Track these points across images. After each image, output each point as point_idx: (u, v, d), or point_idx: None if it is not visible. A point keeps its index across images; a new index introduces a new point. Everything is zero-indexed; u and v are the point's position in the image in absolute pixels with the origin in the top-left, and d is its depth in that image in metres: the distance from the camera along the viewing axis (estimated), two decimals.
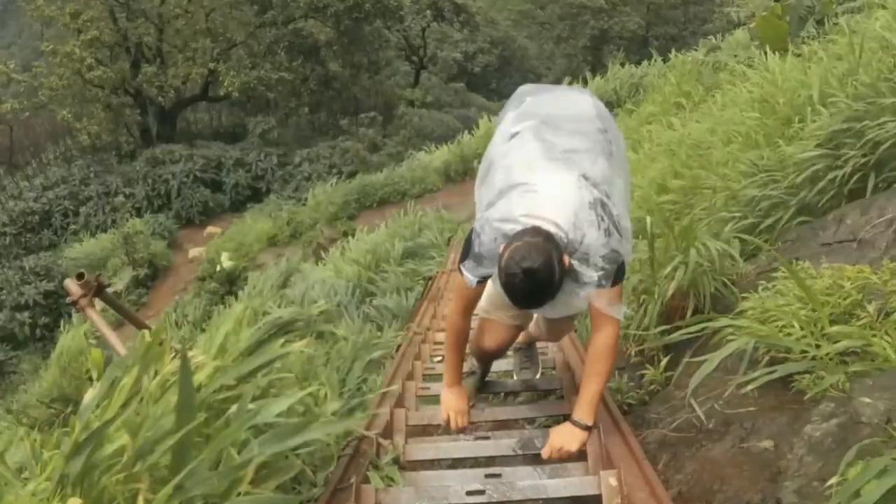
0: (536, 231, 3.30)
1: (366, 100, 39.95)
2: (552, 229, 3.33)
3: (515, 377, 5.26)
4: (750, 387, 3.52)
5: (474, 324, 4.34)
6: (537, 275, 3.19)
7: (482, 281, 3.74)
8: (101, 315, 4.06)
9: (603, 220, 3.43)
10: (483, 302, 4.17)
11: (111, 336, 3.76)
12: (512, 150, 3.71)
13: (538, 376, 5.21)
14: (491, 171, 3.77)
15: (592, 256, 3.44)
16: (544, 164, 3.53)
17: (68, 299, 4.08)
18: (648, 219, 5.43)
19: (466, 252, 3.70)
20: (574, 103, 3.98)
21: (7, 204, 29.62)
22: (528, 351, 5.25)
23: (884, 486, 2.22)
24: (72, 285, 4.00)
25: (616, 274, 3.53)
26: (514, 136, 3.75)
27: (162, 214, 29.03)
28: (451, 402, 4.07)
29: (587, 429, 3.61)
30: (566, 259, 3.33)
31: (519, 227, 3.36)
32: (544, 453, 3.64)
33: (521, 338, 4.96)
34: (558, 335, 4.98)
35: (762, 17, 11.93)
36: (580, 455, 3.65)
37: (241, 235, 24.93)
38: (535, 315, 4.59)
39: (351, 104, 39.43)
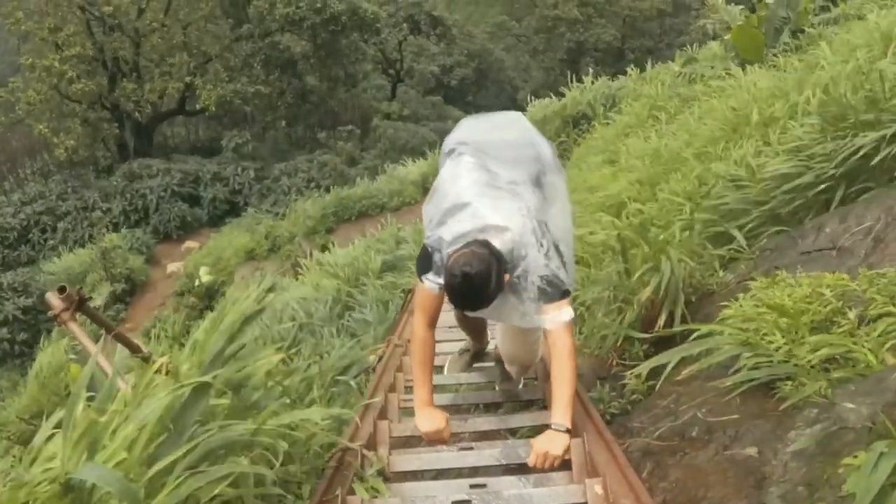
0: (483, 244, 3.68)
1: (343, 113, 39.95)
2: (497, 244, 3.71)
3: (497, 388, 5.30)
4: (733, 394, 3.55)
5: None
6: (473, 280, 3.58)
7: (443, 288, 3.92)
8: (82, 329, 4.05)
9: (542, 245, 3.82)
10: None
11: (93, 349, 3.74)
12: (460, 176, 4.07)
13: (520, 387, 5.22)
14: (439, 192, 4.16)
15: (531, 275, 3.80)
16: (491, 192, 3.93)
17: (50, 313, 4.05)
18: (617, 232, 5.49)
19: (427, 265, 4.00)
20: (510, 129, 4.45)
21: None
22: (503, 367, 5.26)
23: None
24: (53, 299, 3.97)
25: (560, 295, 3.86)
26: (459, 162, 4.17)
27: (139, 229, 28.90)
28: (426, 425, 4.08)
29: (567, 431, 3.70)
30: (506, 275, 3.73)
31: (470, 240, 3.74)
32: (530, 461, 3.69)
33: (497, 351, 5.15)
34: (519, 365, 4.96)
35: (738, 28, 12.04)
36: (564, 463, 3.71)
37: (220, 250, 24.85)
38: (499, 336, 4.94)
39: (328, 118, 39.41)
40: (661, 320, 4.95)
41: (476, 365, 5.64)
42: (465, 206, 3.87)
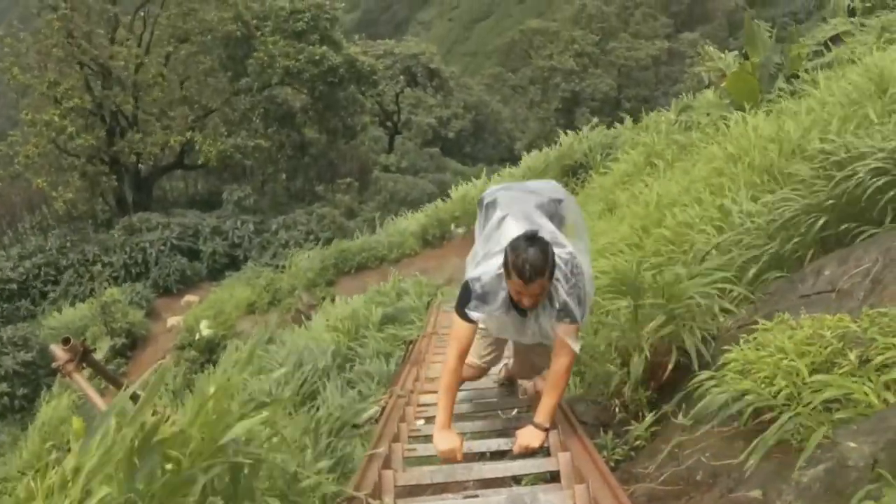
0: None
1: (342, 165, 40.11)
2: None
3: (501, 414, 5.91)
4: (736, 437, 3.55)
5: None
6: (538, 243, 4.18)
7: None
8: (87, 380, 4.06)
9: (569, 279, 4.41)
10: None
11: (98, 400, 3.75)
12: (505, 223, 4.64)
13: (514, 412, 5.91)
14: (485, 236, 4.78)
15: (557, 300, 4.41)
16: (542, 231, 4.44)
17: (54, 364, 4.07)
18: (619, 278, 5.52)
19: (467, 297, 4.52)
20: (536, 183, 5.35)
21: None
22: (510, 387, 6.35)
23: None
24: (58, 350, 4.00)
25: (575, 317, 4.44)
26: (497, 211, 4.78)
27: (139, 283, 28.81)
28: (442, 444, 4.51)
29: (546, 430, 4.54)
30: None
31: None
32: (515, 450, 4.53)
33: (502, 373, 6.31)
34: (530, 371, 5.75)
35: (734, 74, 12.13)
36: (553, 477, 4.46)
37: (220, 303, 24.78)
38: (508, 353, 5.84)
39: (327, 170, 39.55)
40: (669, 366, 4.98)
41: (478, 413, 6.11)
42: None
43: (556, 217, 4.86)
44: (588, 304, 4.63)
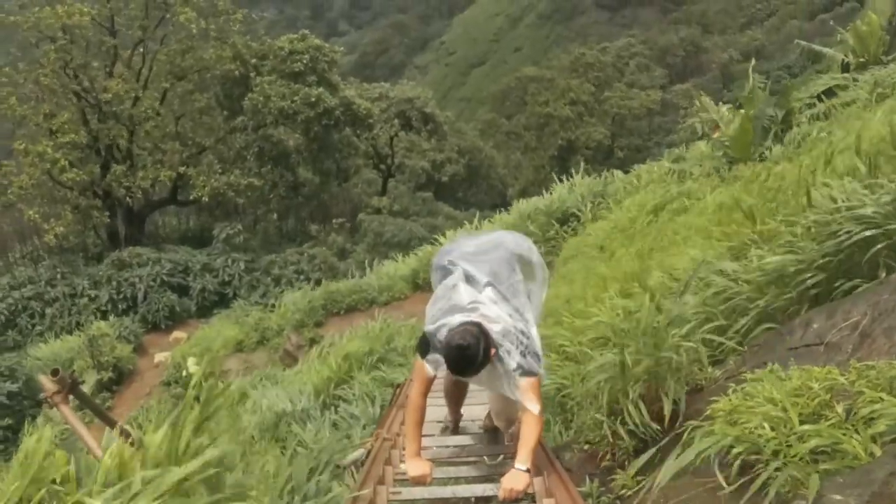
0: (474, 324, 4.80)
1: (334, 206, 40.15)
2: (486, 326, 4.83)
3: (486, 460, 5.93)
4: (723, 489, 3.55)
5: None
6: (466, 350, 4.69)
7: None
8: (74, 412, 4.05)
9: (521, 343, 4.94)
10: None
11: (85, 433, 3.74)
12: (456, 286, 5.15)
13: (507, 441, 6.11)
14: (440, 298, 5.21)
15: (511, 357, 4.89)
16: (483, 297, 5.07)
17: (41, 395, 4.06)
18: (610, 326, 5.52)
19: (427, 348, 5.09)
20: (491, 244, 5.67)
21: None
22: (494, 434, 6.45)
23: None
24: (46, 382, 3.99)
25: (534, 370, 4.95)
26: (453, 275, 5.27)
27: (128, 318, 28.72)
28: (414, 470, 5.06)
29: (527, 471, 4.72)
30: (493, 350, 4.81)
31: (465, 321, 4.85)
32: (500, 496, 4.69)
33: (486, 422, 6.50)
34: (505, 420, 6.01)
35: (738, 129, 12.13)
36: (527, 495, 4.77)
37: (208, 341, 24.68)
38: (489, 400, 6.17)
39: (320, 211, 39.60)
40: (664, 412, 4.99)
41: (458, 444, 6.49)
42: (461, 307, 4.96)
43: (519, 267, 5.47)
44: (541, 354, 5.15)
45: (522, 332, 5.01)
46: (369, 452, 6.46)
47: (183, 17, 34.45)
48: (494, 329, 4.86)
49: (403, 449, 6.36)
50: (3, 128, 38.71)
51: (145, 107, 35.03)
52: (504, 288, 5.23)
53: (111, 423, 4.29)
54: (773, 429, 3.59)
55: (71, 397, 4.26)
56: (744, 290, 5.86)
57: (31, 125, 34.09)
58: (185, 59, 35.78)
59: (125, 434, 4.42)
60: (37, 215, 31.93)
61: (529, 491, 4.77)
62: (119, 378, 24.49)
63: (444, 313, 5.01)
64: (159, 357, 25.97)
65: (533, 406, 4.84)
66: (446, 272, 5.40)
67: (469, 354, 4.70)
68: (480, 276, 5.21)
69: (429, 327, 5.08)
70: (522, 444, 4.82)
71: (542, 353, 5.19)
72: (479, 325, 4.80)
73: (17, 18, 33.67)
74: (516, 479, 4.68)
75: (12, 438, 20.75)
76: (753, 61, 14.90)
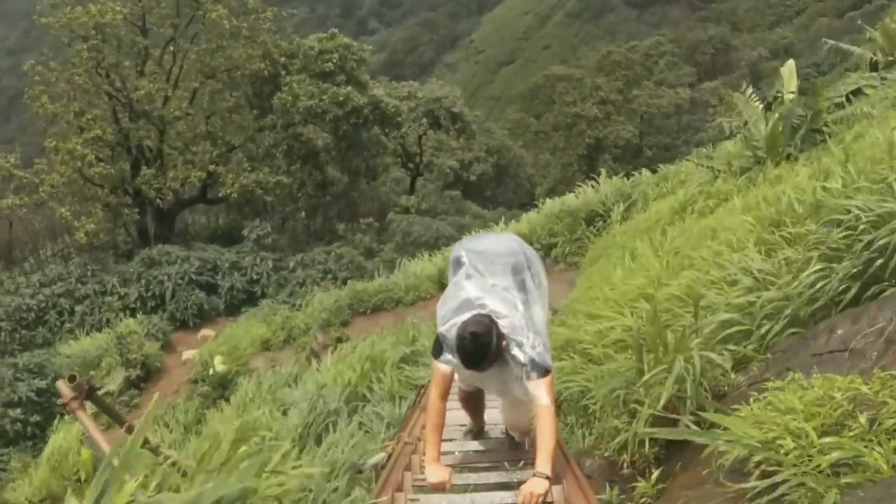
0: (484, 315, 4.91)
1: (362, 205, 40.19)
2: (497, 318, 4.91)
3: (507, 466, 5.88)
4: (743, 498, 3.50)
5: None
6: (479, 338, 4.75)
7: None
8: (90, 417, 4.04)
9: (529, 337, 4.95)
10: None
11: (100, 437, 3.74)
12: (463, 284, 5.24)
13: (527, 448, 5.96)
14: (449, 296, 5.30)
15: (522, 351, 4.90)
16: (492, 293, 5.13)
17: (59, 401, 4.06)
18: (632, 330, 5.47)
19: (440, 349, 5.16)
20: (500, 242, 5.80)
21: (4, 299, 29.35)
22: (513, 439, 6.40)
23: None
24: (63, 387, 3.99)
25: (543, 372, 4.91)
26: (462, 273, 5.37)
27: (156, 315, 28.82)
28: (433, 477, 4.98)
29: (547, 478, 4.64)
30: (503, 342, 4.87)
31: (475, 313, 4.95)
32: (519, 501, 4.61)
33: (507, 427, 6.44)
34: (517, 424, 6.05)
35: (772, 130, 12.00)
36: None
37: (235, 339, 24.71)
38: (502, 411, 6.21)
39: (348, 209, 39.64)
40: (681, 421, 4.92)
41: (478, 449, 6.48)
42: (470, 303, 5.03)
43: (526, 266, 5.52)
44: (549, 352, 5.18)
45: (530, 328, 5.04)
46: (390, 456, 6.43)
47: (215, 15, 34.64)
48: (503, 324, 4.91)
49: (424, 454, 6.36)
50: (37, 126, 38.99)
51: (175, 106, 35.16)
52: (512, 284, 5.29)
53: (129, 429, 4.29)
54: (794, 440, 3.53)
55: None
56: (773, 298, 5.73)
57: (62, 123, 34.19)
58: (215, 57, 35.91)
59: (145, 441, 4.42)
60: (68, 213, 32.11)
61: (549, 499, 4.70)
62: (147, 375, 24.58)
63: (453, 312, 5.07)
64: (187, 355, 26.05)
65: (544, 399, 4.83)
66: (460, 265, 5.48)
67: (483, 342, 4.75)
68: (488, 274, 5.27)
69: (441, 329, 5.16)
70: (541, 447, 4.77)
71: (550, 348, 5.26)
72: (489, 317, 4.89)
73: (49, 20, 33.99)
74: (536, 484, 4.62)
75: (40, 435, 20.93)
76: (791, 61, 14.67)
